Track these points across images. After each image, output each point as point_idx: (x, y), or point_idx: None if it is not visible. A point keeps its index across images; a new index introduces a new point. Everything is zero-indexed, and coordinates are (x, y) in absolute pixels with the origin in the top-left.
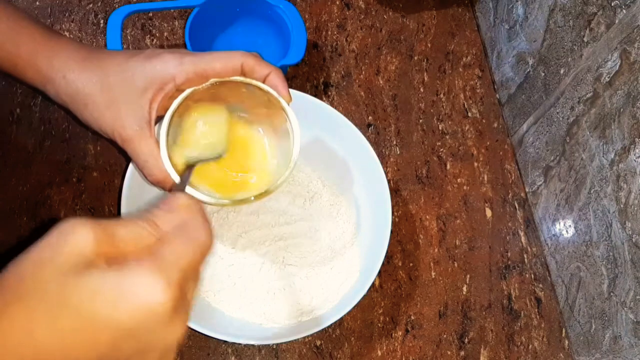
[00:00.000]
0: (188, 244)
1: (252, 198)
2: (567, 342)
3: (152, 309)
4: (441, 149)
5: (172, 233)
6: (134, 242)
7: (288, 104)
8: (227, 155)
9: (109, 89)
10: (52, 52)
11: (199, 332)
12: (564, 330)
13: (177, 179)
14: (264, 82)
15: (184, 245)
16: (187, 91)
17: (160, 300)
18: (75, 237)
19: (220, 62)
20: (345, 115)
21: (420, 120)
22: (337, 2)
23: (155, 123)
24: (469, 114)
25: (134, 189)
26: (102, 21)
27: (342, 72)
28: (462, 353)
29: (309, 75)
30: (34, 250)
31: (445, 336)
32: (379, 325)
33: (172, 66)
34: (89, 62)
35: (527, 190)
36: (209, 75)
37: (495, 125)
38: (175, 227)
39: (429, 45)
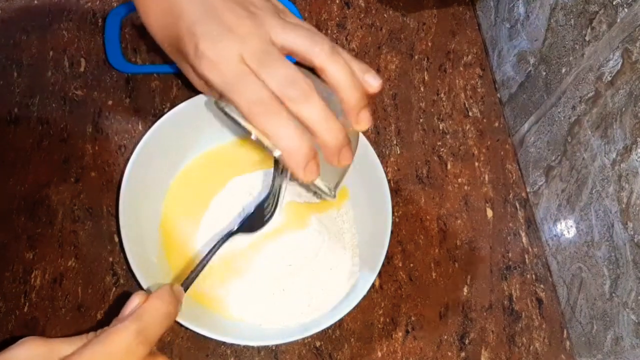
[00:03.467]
0: None
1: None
2: (568, 343)
3: None
4: (442, 149)
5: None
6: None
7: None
8: None
9: None
10: None
11: (197, 333)
12: (565, 331)
13: None
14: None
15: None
16: None
17: None
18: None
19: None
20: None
21: (421, 120)
22: (337, 1)
23: None
24: (470, 114)
25: (132, 189)
26: (100, 20)
27: None
28: (463, 354)
29: None
30: None
31: (445, 337)
32: (379, 326)
33: None
34: None
35: (528, 190)
36: None
37: (496, 124)
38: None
39: (430, 44)
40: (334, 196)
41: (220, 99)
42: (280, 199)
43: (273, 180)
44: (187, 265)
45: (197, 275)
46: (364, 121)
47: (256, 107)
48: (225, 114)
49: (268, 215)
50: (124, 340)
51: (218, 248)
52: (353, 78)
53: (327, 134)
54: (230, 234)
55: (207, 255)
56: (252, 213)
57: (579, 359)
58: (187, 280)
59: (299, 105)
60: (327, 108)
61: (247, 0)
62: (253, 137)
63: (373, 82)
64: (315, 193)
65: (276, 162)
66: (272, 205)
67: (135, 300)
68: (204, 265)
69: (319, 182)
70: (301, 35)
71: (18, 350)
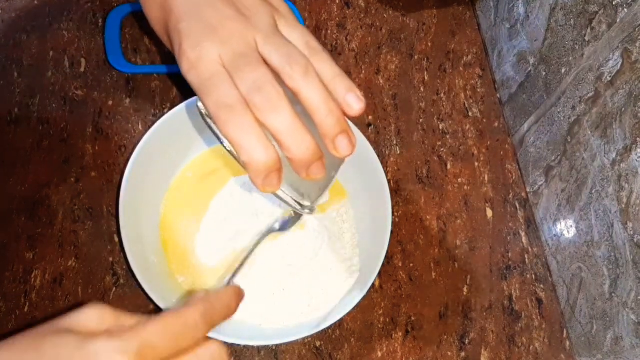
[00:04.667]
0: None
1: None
2: (568, 343)
3: None
4: (442, 149)
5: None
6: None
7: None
8: None
9: None
10: None
11: None
12: (565, 331)
13: None
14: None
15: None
16: None
17: None
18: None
19: None
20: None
21: (421, 120)
22: (337, 1)
23: None
24: (470, 114)
25: (132, 189)
26: (100, 20)
27: None
28: (463, 354)
29: None
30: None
31: (445, 337)
32: (379, 326)
33: None
34: None
35: (528, 190)
36: None
37: (496, 124)
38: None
39: (430, 44)
40: (311, 211)
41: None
42: None
43: None
44: (187, 265)
45: (238, 272)
46: (341, 148)
47: (222, 111)
48: (203, 118)
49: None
50: (191, 316)
51: (255, 248)
52: (328, 103)
53: (293, 146)
54: (269, 232)
55: (246, 256)
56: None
57: (579, 359)
58: (233, 278)
59: (265, 113)
60: (297, 119)
61: (238, 0)
62: (225, 145)
63: (354, 105)
64: (286, 204)
65: None
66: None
67: (201, 293)
68: (243, 264)
69: (285, 196)
70: (279, 51)
71: (89, 313)
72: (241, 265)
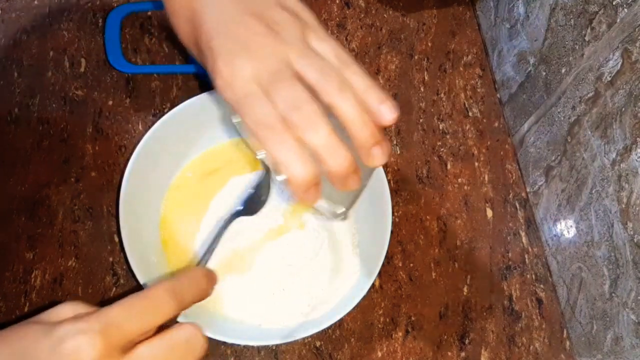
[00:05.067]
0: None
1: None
2: (568, 343)
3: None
4: (442, 149)
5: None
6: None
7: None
8: None
9: None
10: None
11: None
12: (565, 331)
13: None
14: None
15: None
16: None
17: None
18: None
19: None
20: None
21: (421, 120)
22: (337, 1)
23: None
24: (470, 114)
25: (132, 189)
26: (100, 20)
27: None
28: (463, 354)
29: None
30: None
31: (445, 337)
32: (379, 326)
33: None
34: None
35: (528, 190)
36: None
37: (496, 124)
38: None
39: (430, 44)
40: (344, 218)
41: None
42: (273, 180)
43: (265, 167)
44: (187, 265)
45: (209, 258)
46: (376, 158)
47: (262, 129)
48: (238, 130)
49: (264, 197)
50: (156, 293)
51: (222, 231)
52: (362, 116)
53: (332, 162)
54: (233, 216)
55: (213, 241)
56: (251, 196)
57: (579, 359)
58: (201, 262)
59: (304, 131)
60: (334, 134)
61: (268, 16)
62: (258, 156)
63: (387, 115)
64: (322, 214)
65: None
66: (267, 187)
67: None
68: (214, 249)
69: (321, 206)
70: (312, 66)
71: (62, 307)
72: (209, 250)
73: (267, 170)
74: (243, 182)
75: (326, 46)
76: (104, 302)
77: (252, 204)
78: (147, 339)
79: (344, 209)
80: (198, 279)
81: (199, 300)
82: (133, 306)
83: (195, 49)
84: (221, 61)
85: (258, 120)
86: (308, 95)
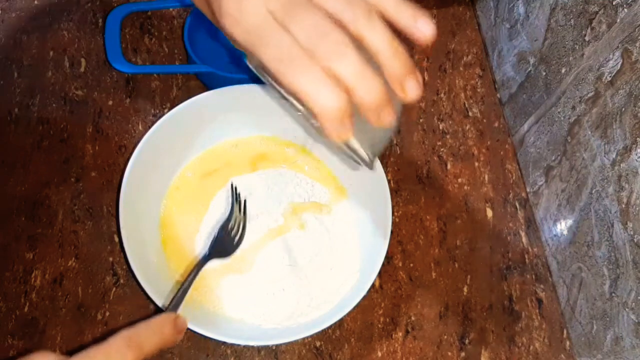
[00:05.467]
0: None
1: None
2: (568, 343)
3: None
4: (442, 149)
5: None
6: None
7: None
8: None
9: None
10: None
11: (197, 333)
12: (565, 331)
13: None
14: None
15: None
16: None
17: None
18: None
19: None
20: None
21: (421, 120)
22: None
23: None
24: (470, 114)
25: (132, 189)
26: (100, 20)
27: None
28: (463, 354)
29: None
30: None
31: (445, 337)
32: (379, 326)
33: None
34: None
35: (528, 190)
36: None
37: (496, 124)
38: None
39: (429, 44)
40: (372, 166)
41: (251, 58)
42: (246, 220)
43: (233, 203)
44: (187, 265)
45: (180, 301)
46: (411, 90)
47: (283, 64)
48: (259, 72)
49: (237, 239)
50: (113, 345)
51: (195, 275)
52: (393, 44)
53: (364, 93)
54: (204, 260)
55: (185, 280)
56: (220, 237)
57: (579, 359)
58: (171, 305)
59: (332, 61)
60: (364, 63)
61: None
62: (283, 96)
63: (426, 30)
64: (351, 158)
65: (234, 189)
66: (239, 228)
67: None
68: (186, 291)
69: (354, 144)
70: None
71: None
72: (180, 295)
73: (236, 195)
74: (243, 183)
75: None
76: (103, 302)
77: (223, 246)
78: None
79: (372, 155)
80: (161, 327)
81: (165, 347)
82: (92, 359)
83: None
84: (227, 1)
85: (277, 54)
86: (331, 22)
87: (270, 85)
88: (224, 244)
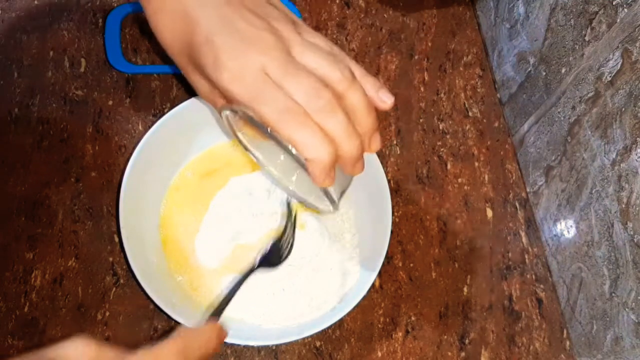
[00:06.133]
0: None
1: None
2: (568, 343)
3: None
4: (442, 149)
5: None
6: None
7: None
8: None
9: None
10: None
11: None
12: (565, 331)
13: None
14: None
15: None
16: None
17: None
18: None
19: None
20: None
21: (421, 120)
22: (337, 1)
23: None
24: (470, 114)
25: (132, 189)
26: (100, 21)
27: None
28: (463, 354)
29: None
30: None
31: (445, 337)
32: (379, 326)
33: None
34: None
35: (528, 190)
36: None
37: (496, 124)
38: None
39: (430, 44)
40: (337, 207)
41: (225, 108)
42: (294, 236)
43: (287, 219)
44: (187, 265)
45: (223, 309)
46: (375, 144)
47: (282, 118)
48: (231, 127)
49: (286, 252)
50: (166, 355)
51: (240, 285)
52: (368, 104)
53: (348, 146)
54: (251, 272)
55: (230, 292)
56: (270, 250)
57: (579, 359)
58: (215, 313)
59: (325, 118)
60: (349, 122)
61: (262, 12)
62: (254, 154)
63: (387, 100)
64: (317, 200)
65: (288, 204)
66: (288, 243)
67: (181, 329)
68: (229, 300)
69: (331, 190)
70: (321, 57)
71: (72, 344)
72: (225, 301)
73: (291, 215)
74: (243, 183)
75: (318, 40)
76: (103, 302)
77: (273, 257)
78: None
79: (338, 197)
80: (209, 338)
81: (207, 357)
82: None
83: (184, 48)
84: (226, 56)
85: (277, 107)
86: (322, 84)
87: (266, 134)
88: (273, 255)
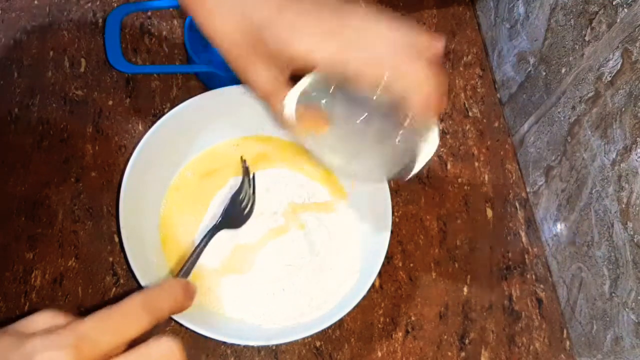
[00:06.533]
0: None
1: None
2: (568, 343)
3: None
4: (442, 149)
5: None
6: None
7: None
8: None
9: None
10: None
11: (197, 333)
12: (565, 331)
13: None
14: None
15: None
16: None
17: None
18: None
19: None
20: None
21: None
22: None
23: None
24: (470, 114)
25: (132, 189)
26: (100, 20)
27: None
28: (463, 354)
29: None
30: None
31: (445, 337)
32: (379, 326)
33: None
34: None
35: (528, 190)
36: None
37: (496, 124)
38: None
39: None
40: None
41: (310, 76)
42: (254, 196)
43: (243, 175)
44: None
45: (190, 269)
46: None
47: (388, 60)
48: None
49: (247, 210)
50: (129, 306)
51: (206, 244)
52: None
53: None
54: (215, 229)
55: (195, 249)
56: (230, 208)
57: (579, 359)
58: (181, 273)
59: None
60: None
61: None
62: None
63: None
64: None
65: (244, 162)
66: (249, 201)
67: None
68: (195, 260)
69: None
70: None
71: (39, 316)
72: (189, 262)
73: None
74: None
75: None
76: (103, 302)
77: (235, 217)
78: (121, 352)
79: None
80: (174, 291)
81: (176, 312)
82: (107, 319)
83: (246, 33)
84: (303, 18)
85: (375, 52)
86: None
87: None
88: (235, 215)
